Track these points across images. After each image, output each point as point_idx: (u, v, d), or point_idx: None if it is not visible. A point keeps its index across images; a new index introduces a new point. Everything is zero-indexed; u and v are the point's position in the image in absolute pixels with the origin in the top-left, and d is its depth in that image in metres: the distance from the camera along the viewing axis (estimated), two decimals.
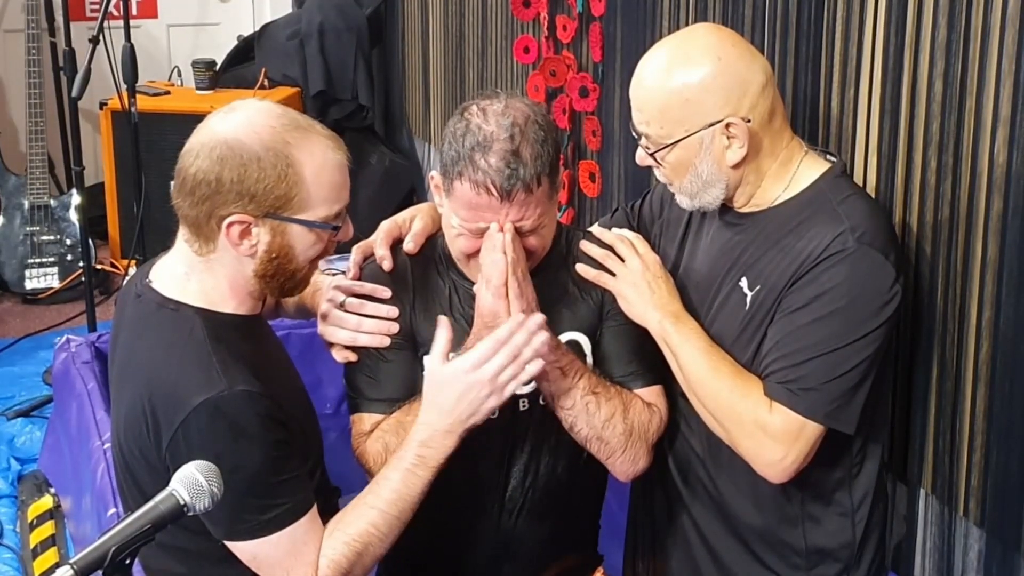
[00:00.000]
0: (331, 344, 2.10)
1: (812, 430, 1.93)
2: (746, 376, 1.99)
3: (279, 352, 2.07)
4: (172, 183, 1.86)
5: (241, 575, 1.88)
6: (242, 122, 1.81)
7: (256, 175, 1.78)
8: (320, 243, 1.87)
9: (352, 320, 2.06)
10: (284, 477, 1.82)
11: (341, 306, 2.08)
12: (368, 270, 2.11)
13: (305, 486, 1.86)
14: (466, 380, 1.87)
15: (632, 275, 2.09)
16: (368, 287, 2.08)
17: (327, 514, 2.08)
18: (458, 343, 2.03)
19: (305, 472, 1.88)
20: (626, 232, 2.17)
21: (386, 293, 2.07)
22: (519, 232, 1.96)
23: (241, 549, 1.84)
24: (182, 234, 1.88)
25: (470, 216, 1.95)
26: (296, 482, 1.84)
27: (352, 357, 2.08)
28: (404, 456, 1.90)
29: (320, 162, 1.82)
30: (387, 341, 2.06)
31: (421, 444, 1.89)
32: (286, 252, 1.84)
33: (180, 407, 1.78)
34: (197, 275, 1.88)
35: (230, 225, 1.80)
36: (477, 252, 1.98)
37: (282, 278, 1.88)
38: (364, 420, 2.06)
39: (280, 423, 1.83)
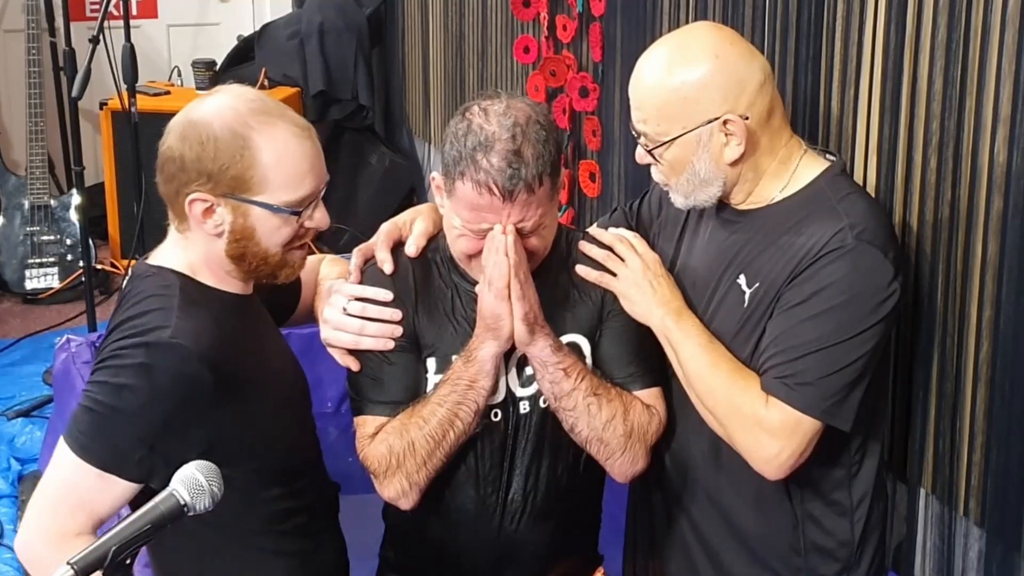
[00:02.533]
0: (333, 348, 2.10)
1: (808, 426, 1.93)
2: (744, 372, 1.99)
3: (270, 339, 2.06)
4: None
5: (243, 559, 1.90)
6: (211, 105, 1.87)
7: (212, 154, 1.82)
8: (287, 228, 1.88)
9: (354, 324, 2.06)
10: (136, 432, 1.79)
11: (343, 311, 2.07)
12: (369, 273, 2.11)
13: (138, 457, 1.79)
14: None
15: (633, 274, 2.09)
16: (370, 291, 2.08)
17: (325, 510, 2.08)
18: (461, 345, 2.04)
19: (152, 450, 1.79)
20: (624, 231, 2.17)
21: (388, 296, 2.07)
22: (520, 233, 1.96)
23: (60, 450, 1.82)
24: (168, 213, 1.93)
25: (472, 217, 1.95)
26: (138, 446, 1.79)
27: (354, 366, 2.08)
28: None
29: (281, 148, 1.85)
30: (390, 344, 2.05)
31: None
32: (250, 234, 1.86)
33: (126, 336, 1.81)
34: (180, 248, 1.92)
35: (192, 202, 1.84)
36: (479, 253, 1.98)
37: (253, 261, 1.89)
38: (368, 423, 2.06)
39: (193, 397, 1.80)
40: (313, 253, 2.21)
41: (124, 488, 1.81)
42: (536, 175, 1.92)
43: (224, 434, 1.85)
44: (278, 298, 2.10)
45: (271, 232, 1.87)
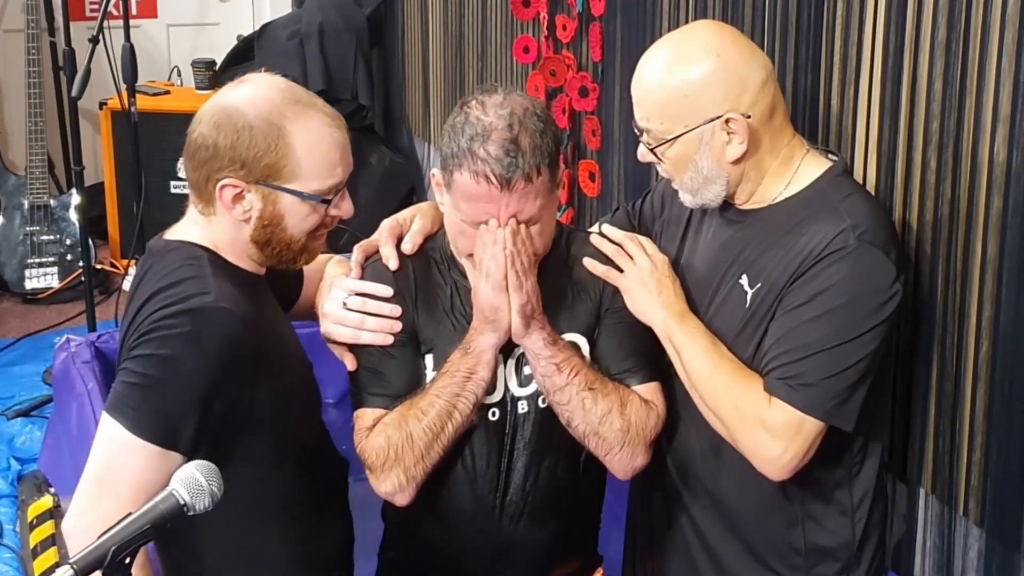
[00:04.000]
0: (333, 343, 2.11)
1: (811, 426, 1.93)
2: (747, 373, 1.99)
3: (280, 320, 2.09)
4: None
5: (264, 531, 1.94)
6: (245, 93, 1.91)
7: (247, 142, 1.85)
8: (314, 216, 1.92)
9: (354, 318, 2.07)
10: (187, 402, 1.81)
11: (343, 305, 2.08)
12: (370, 269, 2.11)
13: (192, 430, 1.81)
14: None
15: (641, 273, 2.09)
16: (369, 286, 2.08)
17: (334, 489, 2.09)
18: (458, 342, 2.03)
19: (201, 422, 1.81)
20: (636, 234, 2.18)
21: (387, 291, 2.07)
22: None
23: (105, 422, 1.83)
24: (190, 197, 1.96)
25: (470, 209, 1.95)
26: (189, 417, 1.81)
27: (351, 363, 2.08)
28: None
29: (315, 137, 1.88)
30: (390, 339, 2.06)
31: None
32: (278, 220, 1.90)
33: (167, 304, 1.82)
34: (199, 228, 1.96)
35: (223, 188, 1.87)
36: None
37: (278, 247, 1.93)
38: (367, 415, 2.06)
39: (238, 360, 1.83)
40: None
41: (177, 463, 1.80)
42: (534, 165, 1.92)
43: (257, 403, 1.88)
44: (280, 288, 2.12)
45: (300, 220, 1.91)
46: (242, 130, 1.85)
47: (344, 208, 1.95)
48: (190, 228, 1.96)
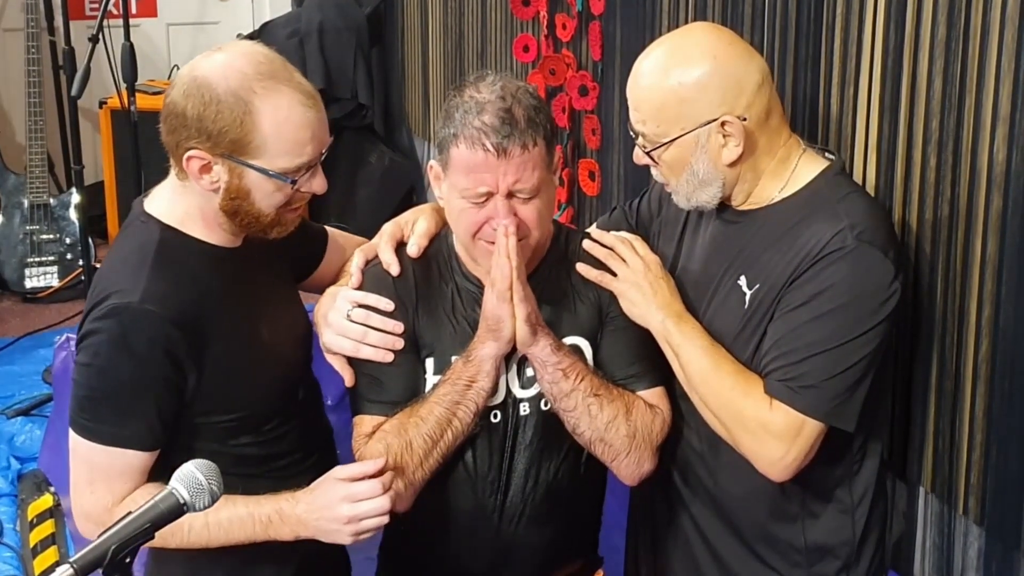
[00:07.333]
0: (333, 354, 2.09)
1: (813, 427, 1.93)
2: (747, 374, 1.99)
3: (261, 290, 2.04)
4: None
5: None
6: (219, 63, 1.88)
7: (213, 115, 1.84)
8: (281, 193, 1.90)
9: (357, 331, 2.05)
10: (133, 405, 1.87)
11: (347, 316, 2.06)
12: (370, 275, 2.10)
13: (145, 428, 1.88)
14: (333, 505, 1.91)
15: (634, 275, 2.09)
16: (372, 298, 2.06)
17: (305, 455, 2.09)
18: (460, 346, 2.03)
19: (156, 416, 1.88)
20: (625, 234, 2.17)
21: (390, 305, 2.06)
22: (517, 197, 1.95)
23: (71, 437, 1.91)
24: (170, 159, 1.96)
25: (469, 181, 1.94)
26: (139, 418, 1.88)
27: (349, 379, 2.07)
28: (264, 505, 1.92)
29: (284, 115, 1.86)
30: (390, 357, 2.04)
31: (278, 512, 1.92)
32: (245, 194, 1.89)
33: (98, 301, 1.87)
34: (176, 195, 1.95)
35: (189, 159, 1.86)
36: (481, 229, 1.97)
37: (246, 219, 1.92)
38: (365, 422, 2.05)
39: (173, 357, 1.86)
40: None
41: (146, 456, 1.89)
42: (530, 134, 1.92)
43: (204, 385, 1.90)
44: (299, 250, 2.11)
45: (266, 195, 1.89)
46: (209, 103, 1.83)
47: (315, 185, 1.93)
48: (166, 198, 1.96)
